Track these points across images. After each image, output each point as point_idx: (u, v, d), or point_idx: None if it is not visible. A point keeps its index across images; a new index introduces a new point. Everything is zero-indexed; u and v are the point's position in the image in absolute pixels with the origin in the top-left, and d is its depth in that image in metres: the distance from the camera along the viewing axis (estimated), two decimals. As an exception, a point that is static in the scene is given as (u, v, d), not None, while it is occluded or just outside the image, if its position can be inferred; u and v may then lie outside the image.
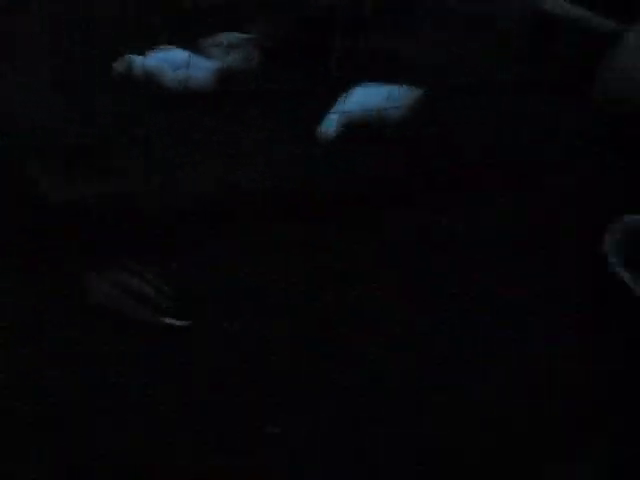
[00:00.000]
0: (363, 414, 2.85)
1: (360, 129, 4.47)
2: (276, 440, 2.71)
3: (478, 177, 4.35)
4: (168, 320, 3.12)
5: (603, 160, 4.59)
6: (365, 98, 4.44)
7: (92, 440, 2.65)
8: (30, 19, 4.70)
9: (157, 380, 2.92)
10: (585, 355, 3.24)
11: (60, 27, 4.54)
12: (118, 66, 4.76)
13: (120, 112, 4.48)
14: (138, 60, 4.77)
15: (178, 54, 4.77)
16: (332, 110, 4.36)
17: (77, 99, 4.34)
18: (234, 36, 5.25)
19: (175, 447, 2.65)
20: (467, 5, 5.74)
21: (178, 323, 3.12)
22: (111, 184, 3.98)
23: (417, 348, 3.20)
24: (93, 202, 3.85)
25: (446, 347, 3.23)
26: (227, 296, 3.40)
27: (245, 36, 5.27)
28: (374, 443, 2.74)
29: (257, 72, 5.17)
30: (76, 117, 4.25)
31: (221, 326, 3.22)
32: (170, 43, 4.95)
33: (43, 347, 3.02)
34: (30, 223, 3.66)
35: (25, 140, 4.12)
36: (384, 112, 4.43)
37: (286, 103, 4.70)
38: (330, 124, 4.30)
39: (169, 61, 4.73)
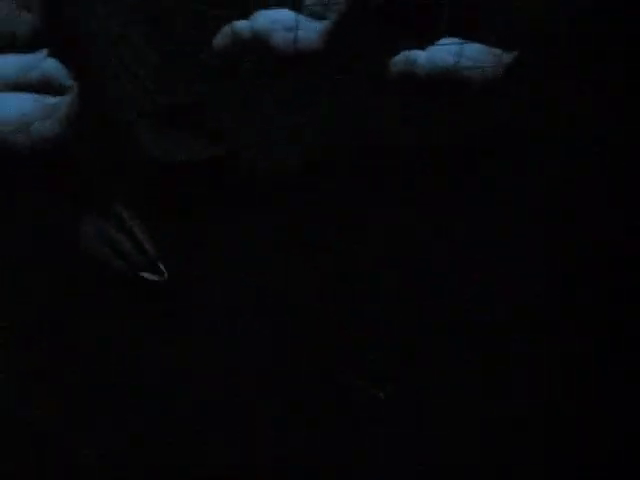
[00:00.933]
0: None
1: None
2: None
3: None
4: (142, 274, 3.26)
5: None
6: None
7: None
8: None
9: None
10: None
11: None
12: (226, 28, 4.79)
13: (228, 73, 4.59)
14: (245, 22, 4.78)
15: (286, 14, 4.76)
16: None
17: (185, 61, 4.42)
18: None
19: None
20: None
21: (149, 276, 3.26)
22: (223, 145, 4.10)
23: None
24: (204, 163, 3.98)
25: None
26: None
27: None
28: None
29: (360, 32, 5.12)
30: (182, 78, 4.35)
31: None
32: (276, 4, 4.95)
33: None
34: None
35: (134, 103, 4.22)
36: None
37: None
38: None
39: (278, 22, 4.72)
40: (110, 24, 4.56)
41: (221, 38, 4.70)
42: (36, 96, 4.05)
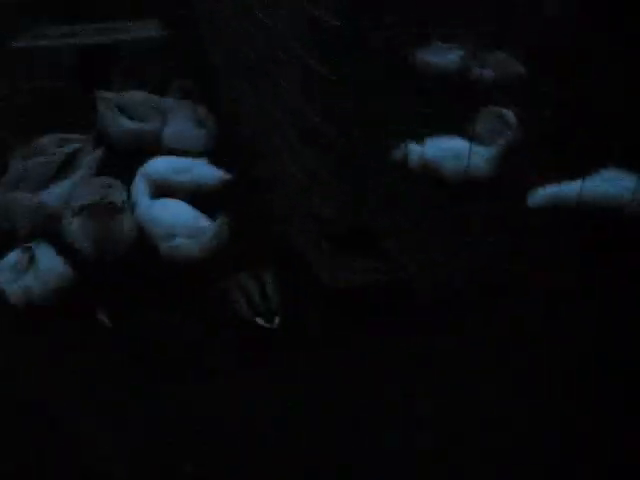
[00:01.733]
0: None
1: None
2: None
3: None
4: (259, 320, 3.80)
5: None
6: None
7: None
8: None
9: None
10: None
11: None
12: (397, 153, 5.07)
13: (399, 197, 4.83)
14: (416, 148, 5.02)
15: (456, 143, 4.92)
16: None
17: (354, 186, 4.62)
18: (507, 114, 5.20)
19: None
20: None
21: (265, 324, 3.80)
22: (387, 270, 4.21)
23: None
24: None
25: None
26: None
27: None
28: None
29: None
30: (350, 201, 4.51)
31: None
32: (451, 131, 5.10)
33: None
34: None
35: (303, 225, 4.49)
36: None
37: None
38: None
39: (448, 151, 4.91)
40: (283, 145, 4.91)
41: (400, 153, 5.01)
42: (193, 212, 4.37)
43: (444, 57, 6.59)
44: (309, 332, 3.92)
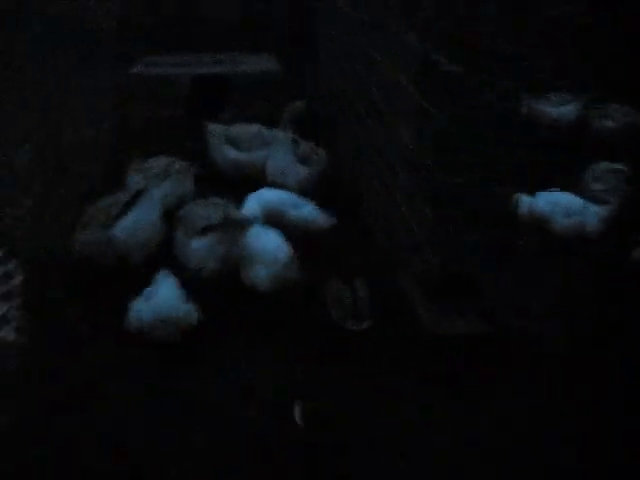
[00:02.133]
0: None
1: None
2: None
3: None
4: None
5: None
6: None
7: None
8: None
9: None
10: None
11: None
12: (508, 203, 4.92)
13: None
14: (526, 200, 4.90)
15: (569, 199, 4.79)
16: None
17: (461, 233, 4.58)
18: (623, 170, 5.00)
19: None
20: None
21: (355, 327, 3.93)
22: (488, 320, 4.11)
23: None
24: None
25: None
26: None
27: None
28: None
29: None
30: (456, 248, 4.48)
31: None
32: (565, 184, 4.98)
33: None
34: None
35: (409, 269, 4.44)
36: None
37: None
38: None
39: (560, 205, 4.76)
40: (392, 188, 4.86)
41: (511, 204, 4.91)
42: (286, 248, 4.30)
43: (560, 108, 6.43)
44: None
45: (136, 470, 3.25)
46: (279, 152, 5.59)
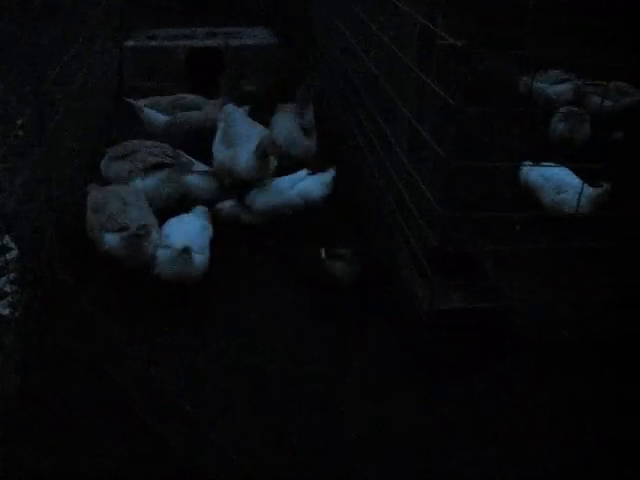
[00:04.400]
0: None
1: None
2: None
3: None
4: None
5: None
6: None
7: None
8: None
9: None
10: None
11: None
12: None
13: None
14: (525, 171, 4.99)
15: (563, 175, 4.85)
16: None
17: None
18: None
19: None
20: None
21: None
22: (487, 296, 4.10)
23: None
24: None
25: None
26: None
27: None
28: None
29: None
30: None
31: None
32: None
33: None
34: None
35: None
36: None
37: None
38: None
39: (551, 180, 4.84)
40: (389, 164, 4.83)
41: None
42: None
43: (555, 86, 6.42)
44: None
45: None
46: (285, 122, 5.55)
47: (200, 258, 4.15)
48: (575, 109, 5.86)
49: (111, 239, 4.18)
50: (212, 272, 4.28)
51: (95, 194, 4.47)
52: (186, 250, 4.04)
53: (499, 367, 3.81)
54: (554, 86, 6.42)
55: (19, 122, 4.76)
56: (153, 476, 3.23)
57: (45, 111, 4.20)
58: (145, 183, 4.74)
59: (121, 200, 4.34)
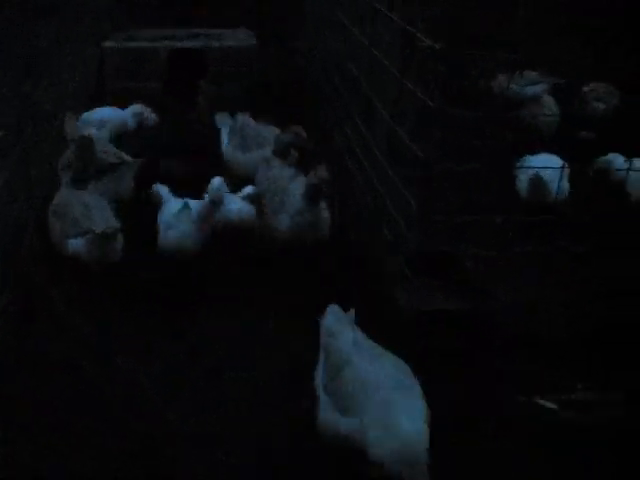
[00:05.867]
0: None
1: None
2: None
3: None
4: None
5: None
6: None
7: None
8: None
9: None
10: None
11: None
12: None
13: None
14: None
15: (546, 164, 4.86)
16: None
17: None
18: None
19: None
20: None
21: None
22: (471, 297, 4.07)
23: None
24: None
25: None
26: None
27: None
28: None
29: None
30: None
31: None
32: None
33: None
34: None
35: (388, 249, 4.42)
36: None
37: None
38: None
39: (527, 172, 4.90)
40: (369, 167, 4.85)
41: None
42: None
43: (527, 88, 6.46)
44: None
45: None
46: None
47: None
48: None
49: (76, 243, 4.18)
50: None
51: (57, 199, 4.44)
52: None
53: (484, 369, 3.77)
54: (527, 87, 6.46)
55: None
56: (140, 474, 3.20)
57: (26, 112, 4.18)
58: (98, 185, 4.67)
59: (83, 204, 4.31)
